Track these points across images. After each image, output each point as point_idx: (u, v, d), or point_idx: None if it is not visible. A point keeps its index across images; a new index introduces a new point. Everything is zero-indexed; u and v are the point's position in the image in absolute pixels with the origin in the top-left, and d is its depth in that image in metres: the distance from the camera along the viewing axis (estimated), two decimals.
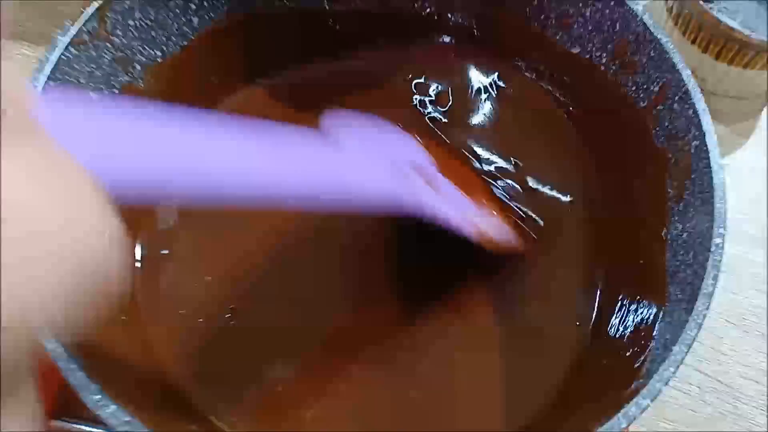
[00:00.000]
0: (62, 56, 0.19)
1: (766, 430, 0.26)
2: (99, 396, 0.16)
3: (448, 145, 0.25)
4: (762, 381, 0.27)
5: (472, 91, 0.26)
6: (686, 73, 0.21)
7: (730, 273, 0.28)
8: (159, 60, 0.23)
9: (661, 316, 0.20)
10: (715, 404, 0.26)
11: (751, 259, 0.29)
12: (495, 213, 0.22)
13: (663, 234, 0.21)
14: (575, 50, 0.24)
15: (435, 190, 0.18)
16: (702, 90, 0.31)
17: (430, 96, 0.26)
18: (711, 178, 0.19)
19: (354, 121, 0.19)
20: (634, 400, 0.17)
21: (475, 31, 0.26)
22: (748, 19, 0.33)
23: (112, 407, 0.16)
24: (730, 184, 0.30)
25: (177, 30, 0.23)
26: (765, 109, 0.32)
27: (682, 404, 0.26)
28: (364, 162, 0.17)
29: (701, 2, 0.28)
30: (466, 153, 0.24)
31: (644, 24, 0.21)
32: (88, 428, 0.23)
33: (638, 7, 0.22)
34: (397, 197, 0.17)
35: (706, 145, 0.20)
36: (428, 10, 0.26)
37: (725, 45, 0.29)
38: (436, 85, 0.26)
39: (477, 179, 0.24)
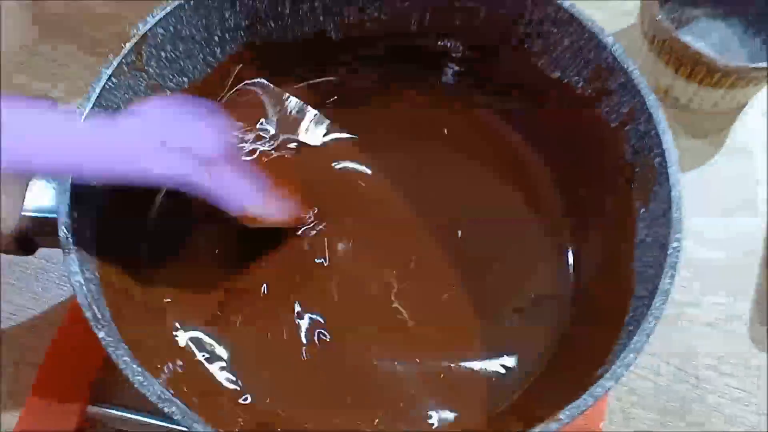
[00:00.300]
0: (105, 85, 0.22)
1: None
2: (142, 377, 0.19)
3: None
4: (728, 373, 0.29)
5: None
6: (650, 98, 0.24)
7: (700, 275, 0.31)
8: (186, 86, 0.26)
9: (628, 310, 0.22)
10: (684, 393, 0.29)
11: (719, 263, 0.31)
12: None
13: (631, 239, 0.24)
14: (556, 75, 0.27)
15: (219, 173, 0.21)
16: (676, 106, 0.34)
17: None
18: (670, 190, 0.22)
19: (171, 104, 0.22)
20: (599, 381, 0.20)
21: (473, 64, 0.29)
22: (719, 41, 0.36)
23: (156, 387, 0.19)
24: (703, 193, 0.33)
25: (202, 59, 0.26)
26: (735, 123, 0.35)
27: (654, 393, 0.29)
28: (145, 138, 0.20)
29: (672, 29, 0.31)
30: None
31: (614, 54, 0.24)
32: (121, 413, 0.26)
33: (609, 39, 0.25)
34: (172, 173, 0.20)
35: (666, 161, 0.23)
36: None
37: (695, 67, 0.32)
38: None
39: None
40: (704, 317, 0.30)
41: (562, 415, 0.19)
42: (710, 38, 0.36)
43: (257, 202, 0.23)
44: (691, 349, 0.30)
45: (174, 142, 0.20)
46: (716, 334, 0.30)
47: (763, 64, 0.31)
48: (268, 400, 0.24)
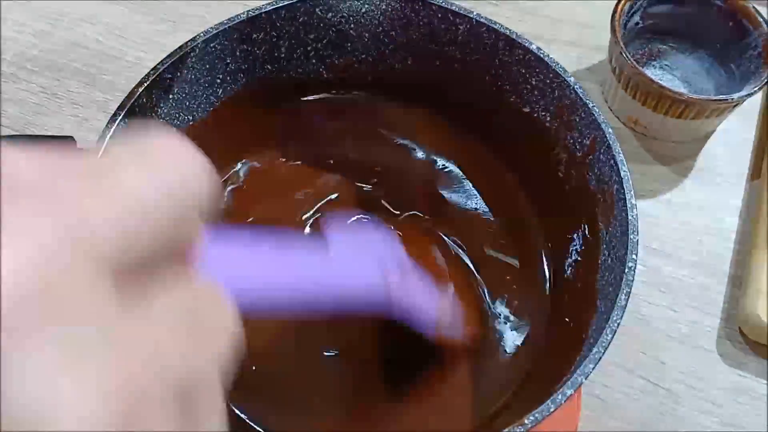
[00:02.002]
0: (119, 125, 0.25)
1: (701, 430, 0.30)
2: None
3: (421, 229, 0.29)
4: (697, 386, 0.31)
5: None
6: (608, 131, 0.26)
7: (669, 293, 0.33)
8: (191, 123, 0.29)
9: (591, 325, 0.25)
10: (656, 406, 0.31)
11: (687, 281, 0.33)
12: (459, 300, 0.25)
13: (596, 260, 0.26)
14: (526, 110, 0.30)
15: (409, 287, 0.21)
16: (646, 135, 0.37)
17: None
18: (627, 215, 0.25)
19: (345, 226, 0.23)
20: (561, 389, 0.22)
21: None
22: (686, 74, 0.39)
23: None
24: (673, 216, 0.35)
25: (205, 99, 0.29)
26: (702, 150, 0.37)
27: (628, 406, 0.30)
28: (351, 265, 0.20)
29: (636, 65, 0.34)
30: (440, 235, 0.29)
31: (576, 92, 0.27)
32: None
33: (571, 79, 0.27)
34: (378, 297, 0.20)
35: (623, 189, 0.25)
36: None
37: (660, 100, 0.34)
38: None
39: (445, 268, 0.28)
40: (674, 333, 0.32)
41: (526, 420, 0.21)
42: (678, 71, 0.39)
43: (445, 313, 0.24)
44: (662, 363, 0.31)
45: (375, 261, 0.20)
46: (685, 349, 0.32)
47: (723, 97, 0.34)
48: None
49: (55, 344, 0.08)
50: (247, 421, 0.25)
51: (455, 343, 0.26)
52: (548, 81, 0.28)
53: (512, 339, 0.28)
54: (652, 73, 0.38)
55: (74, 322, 0.08)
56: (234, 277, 0.14)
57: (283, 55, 0.30)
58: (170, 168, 0.11)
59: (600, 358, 0.22)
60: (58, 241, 0.08)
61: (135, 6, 0.39)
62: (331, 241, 0.20)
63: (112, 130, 0.25)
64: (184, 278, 0.11)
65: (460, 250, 0.29)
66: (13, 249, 0.08)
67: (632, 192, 0.25)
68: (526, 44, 0.28)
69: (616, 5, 0.35)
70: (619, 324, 0.23)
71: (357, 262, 0.20)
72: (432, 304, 0.23)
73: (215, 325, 0.11)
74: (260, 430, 0.25)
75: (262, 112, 0.31)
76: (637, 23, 0.37)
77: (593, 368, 0.22)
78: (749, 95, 0.34)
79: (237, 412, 0.25)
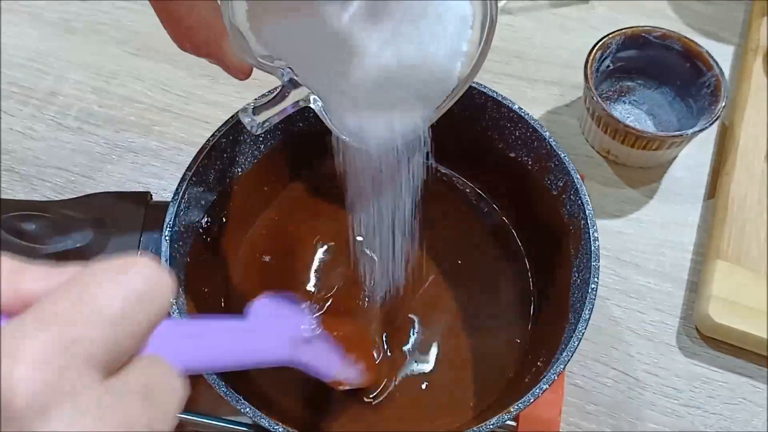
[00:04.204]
0: (190, 180, 0.32)
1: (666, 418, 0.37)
2: (225, 389, 0.28)
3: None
4: (660, 375, 0.38)
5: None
6: (576, 177, 0.32)
7: (638, 298, 0.40)
8: (239, 174, 0.35)
9: (563, 334, 0.31)
10: (626, 392, 0.37)
11: (652, 287, 0.40)
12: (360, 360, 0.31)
13: (568, 281, 0.33)
14: (512, 155, 0.36)
15: (312, 352, 0.28)
16: (617, 163, 0.43)
17: None
18: (590, 245, 0.31)
19: (268, 304, 0.29)
20: (538, 385, 0.28)
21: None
22: (651, 108, 0.45)
23: (234, 394, 0.28)
24: (641, 232, 0.41)
25: (250, 154, 0.35)
26: (665, 176, 0.43)
27: (601, 392, 0.37)
28: (269, 336, 0.27)
29: (606, 107, 0.40)
30: None
31: (550, 144, 0.33)
32: (193, 418, 0.34)
33: (546, 133, 0.34)
34: (287, 358, 0.26)
35: (588, 224, 0.31)
36: None
37: (626, 135, 0.40)
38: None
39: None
40: (641, 331, 0.39)
41: (512, 408, 0.28)
42: (644, 105, 0.45)
43: (341, 369, 0.30)
44: (631, 356, 0.38)
45: (285, 334, 0.27)
46: (651, 345, 0.38)
47: (680, 133, 0.40)
48: None
49: (59, 420, 0.12)
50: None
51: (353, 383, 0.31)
52: (528, 134, 0.34)
53: (503, 345, 0.34)
54: (622, 107, 0.44)
55: (72, 402, 0.13)
56: (178, 351, 0.19)
57: (312, 114, 0.36)
58: (138, 283, 0.14)
59: (569, 360, 0.29)
60: (54, 353, 0.13)
61: (177, 62, 0.46)
62: (253, 316, 0.27)
63: (184, 186, 0.32)
64: (145, 359, 0.15)
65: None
66: (21, 363, 0.12)
67: (596, 227, 0.31)
68: (509, 104, 0.34)
69: (589, 54, 0.41)
70: (584, 333, 0.29)
71: (270, 333, 0.27)
72: (329, 363, 0.29)
73: (166, 390, 0.15)
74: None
75: (290, 159, 0.37)
76: (608, 66, 0.43)
77: (563, 368, 0.29)
78: (702, 130, 0.40)
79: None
